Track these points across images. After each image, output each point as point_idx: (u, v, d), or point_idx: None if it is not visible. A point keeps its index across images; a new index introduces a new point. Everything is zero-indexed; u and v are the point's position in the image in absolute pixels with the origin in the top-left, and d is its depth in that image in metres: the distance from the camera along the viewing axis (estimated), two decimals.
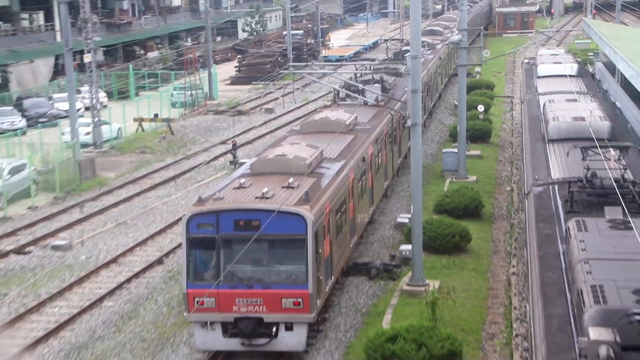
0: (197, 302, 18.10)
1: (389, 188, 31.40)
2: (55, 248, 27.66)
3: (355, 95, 31.96)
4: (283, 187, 19.51)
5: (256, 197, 18.72)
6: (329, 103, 32.50)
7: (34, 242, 28.45)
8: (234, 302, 18.22)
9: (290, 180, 19.79)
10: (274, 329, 18.32)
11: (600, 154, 18.53)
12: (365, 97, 31.82)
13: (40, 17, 64.99)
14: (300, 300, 18.13)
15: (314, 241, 18.23)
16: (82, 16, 42.97)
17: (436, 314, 19.96)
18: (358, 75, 37.49)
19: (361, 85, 32.51)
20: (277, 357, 19.15)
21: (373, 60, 43.04)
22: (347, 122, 26.93)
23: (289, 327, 18.31)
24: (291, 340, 18.36)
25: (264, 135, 45.44)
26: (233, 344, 18.50)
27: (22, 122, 47.11)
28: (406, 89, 31.47)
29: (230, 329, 18.42)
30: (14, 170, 33.94)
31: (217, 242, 18.30)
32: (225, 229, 18.27)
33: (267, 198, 18.58)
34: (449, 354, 17.67)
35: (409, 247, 23.66)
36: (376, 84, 33.55)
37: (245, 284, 18.26)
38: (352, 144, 25.31)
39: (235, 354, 18.93)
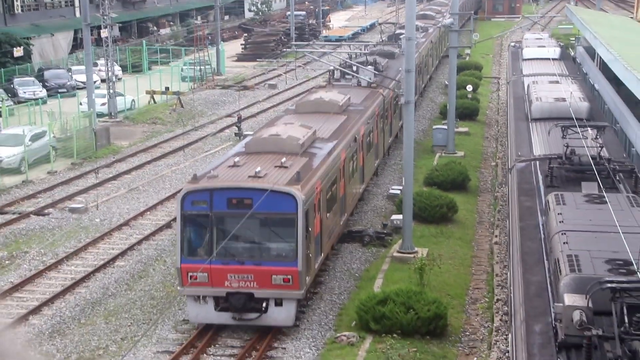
0: (191, 276, 17.68)
1: (380, 166, 30.97)
2: (72, 210, 27.65)
3: (349, 75, 31.22)
4: (276, 167, 18.88)
5: (249, 176, 18.12)
6: (324, 83, 31.72)
7: (53, 204, 28.43)
8: (226, 277, 17.70)
9: (283, 159, 19.19)
10: (264, 304, 17.81)
11: (579, 133, 18.49)
12: (359, 78, 31.12)
13: None
14: (289, 277, 17.58)
15: (304, 220, 17.63)
16: None
17: (424, 280, 20.02)
18: (353, 56, 36.39)
19: (355, 66, 31.70)
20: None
21: (368, 43, 40.94)
22: (341, 103, 26.04)
23: (278, 302, 17.79)
24: (280, 315, 17.89)
25: (267, 109, 45.22)
26: (224, 318, 18.03)
27: (43, 92, 46.82)
28: (400, 69, 31.36)
29: (221, 303, 17.93)
30: (35, 137, 33.81)
31: (211, 219, 17.72)
32: (219, 207, 17.68)
33: (259, 177, 18.02)
34: (435, 317, 17.76)
35: (400, 216, 23.67)
36: (370, 66, 32.59)
37: (237, 260, 17.70)
38: (345, 125, 24.40)
39: (227, 326, 18.58)
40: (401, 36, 43.70)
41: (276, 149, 20.13)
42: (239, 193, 17.71)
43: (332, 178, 20.90)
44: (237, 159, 19.42)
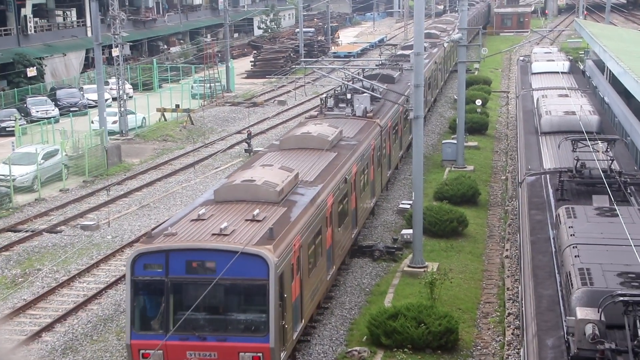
0: (143, 354, 15.00)
1: (390, 180, 29.64)
2: (84, 228, 27.75)
3: (343, 104, 29.03)
4: (247, 220, 16.12)
5: (213, 234, 15.29)
6: (316, 113, 28.46)
7: (65, 222, 28.54)
8: (185, 355, 14.95)
9: (256, 211, 16.45)
10: None
11: (589, 146, 18.43)
12: (353, 108, 28.24)
13: (73, 13, 65.01)
14: (260, 355, 14.81)
15: (278, 286, 14.89)
16: (111, 13, 42.92)
17: (434, 294, 19.92)
18: (349, 80, 33.07)
19: (349, 94, 29.06)
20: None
21: (365, 67, 36.93)
22: (330, 138, 23.05)
23: None
24: None
25: (276, 125, 45.34)
26: None
27: (55, 111, 47.17)
28: (402, 93, 30.37)
29: None
30: (48, 156, 34.02)
31: (166, 286, 14.91)
32: (176, 271, 14.93)
33: (224, 235, 15.19)
34: (446, 331, 17.66)
35: (410, 231, 23.59)
36: (365, 94, 29.29)
37: (198, 336, 14.91)
38: (334, 164, 21.53)
39: None
40: (410, 52, 42.61)
41: (250, 198, 17.38)
42: (200, 255, 14.95)
43: (316, 229, 18.17)
44: (202, 210, 16.60)
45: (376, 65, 38.30)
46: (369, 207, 25.39)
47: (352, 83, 32.00)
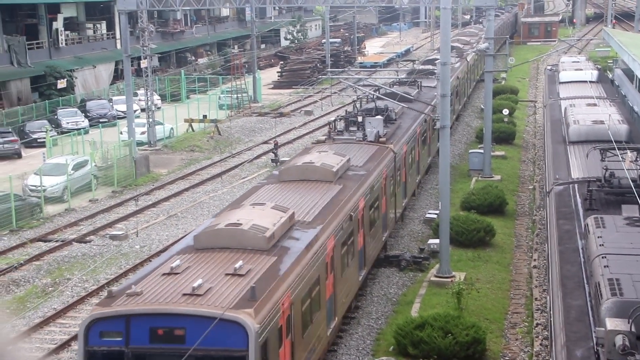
0: None
1: (406, 207, 27.21)
2: (113, 237, 28.02)
3: (354, 127, 26.61)
4: (227, 275, 13.52)
5: (184, 294, 12.71)
6: (323, 137, 26.25)
7: (94, 232, 28.85)
8: None
9: (240, 263, 13.85)
10: None
11: (618, 155, 18.21)
12: (365, 132, 25.66)
13: (103, 26, 65.94)
14: None
15: (260, 357, 12.46)
16: (140, 25, 43.45)
17: (461, 304, 19.81)
18: (364, 99, 30.83)
19: (361, 116, 26.65)
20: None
21: (380, 85, 32.67)
22: (335, 168, 20.42)
23: None
24: None
25: (303, 135, 45.47)
26: None
27: (85, 122, 47.78)
28: (418, 115, 28.75)
29: None
30: (78, 166, 34.46)
31: (127, 358, 12.50)
32: (138, 341, 12.46)
33: (197, 295, 12.61)
34: (473, 341, 17.52)
35: (437, 241, 23.50)
36: (378, 116, 27.14)
37: None
38: (337, 199, 18.95)
39: None
40: (435, 61, 41.29)
41: (235, 245, 14.80)
42: (166, 321, 12.46)
43: (313, 279, 15.73)
44: (177, 262, 14.02)
45: (391, 84, 35.62)
46: (379, 243, 22.93)
47: (361, 105, 29.84)
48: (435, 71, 37.83)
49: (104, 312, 12.70)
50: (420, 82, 35.09)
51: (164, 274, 13.69)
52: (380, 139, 25.29)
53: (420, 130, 30.52)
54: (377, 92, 31.67)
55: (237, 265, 13.74)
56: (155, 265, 14.59)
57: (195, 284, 12.87)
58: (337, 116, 28.67)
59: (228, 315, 12.26)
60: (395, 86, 33.42)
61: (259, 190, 19.48)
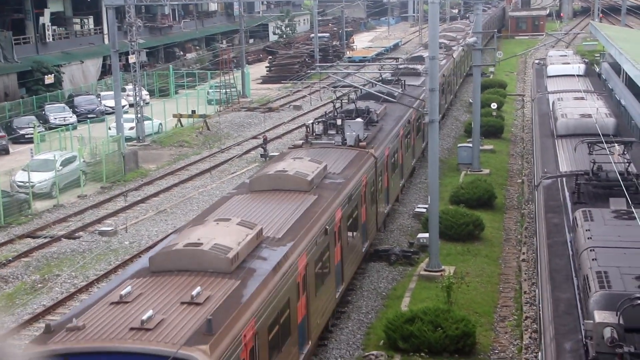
0: None
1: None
2: (102, 233, 27.92)
3: (332, 131, 25.12)
4: (183, 304, 12.10)
5: (131, 328, 11.29)
6: (300, 142, 24.65)
7: (83, 228, 28.73)
8: None
9: (197, 289, 12.36)
10: None
11: (605, 149, 18.29)
12: (344, 135, 24.20)
13: (90, 21, 65.58)
14: None
15: None
16: (128, 20, 43.21)
17: (451, 298, 19.87)
18: (340, 102, 29.19)
19: (340, 119, 25.15)
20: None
21: (357, 87, 30.13)
22: (310, 177, 18.96)
23: None
24: None
25: (292, 130, 45.43)
26: None
27: (73, 118, 47.55)
28: (403, 115, 27.97)
29: None
30: (66, 162, 34.29)
31: None
32: None
33: (147, 330, 11.22)
34: (463, 335, 17.59)
35: (426, 235, 23.54)
36: (359, 118, 25.63)
37: None
38: (312, 211, 17.51)
39: None
40: (420, 59, 40.09)
41: (194, 267, 13.29)
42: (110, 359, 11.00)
43: (282, 303, 14.24)
44: (128, 288, 12.53)
45: (375, 80, 33.95)
46: (359, 255, 21.57)
47: (342, 106, 28.52)
48: (420, 70, 37.81)
49: (39, 351, 11.02)
50: (404, 80, 33.65)
51: (112, 303, 12.17)
52: (361, 143, 23.98)
53: (404, 131, 29.19)
54: (359, 92, 30.37)
55: (194, 292, 12.29)
56: (103, 292, 13.00)
57: (145, 316, 11.42)
58: (315, 119, 27.08)
59: (181, 354, 10.78)
60: (378, 85, 31.92)
61: (227, 203, 17.96)
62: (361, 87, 31.36)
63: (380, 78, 35.35)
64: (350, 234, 20.20)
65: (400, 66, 39.76)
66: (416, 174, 33.29)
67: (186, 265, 13.35)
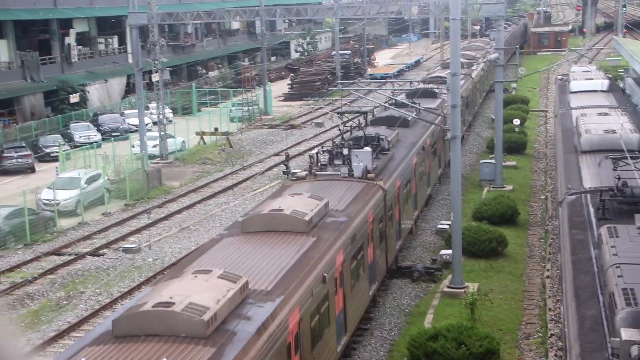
0: None
1: (402, 248, 24.00)
2: (126, 251, 28.12)
3: (339, 161, 22.86)
4: None
5: None
6: (304, 173, 22.51)
7: (107, 245, 28.98)
8: None
9: None
10: None
11: (630, 164, 18.12)
12: (351, 166, 22.01)
13: (114, 41, 66.51)
14: None
15: None
16: (151, 40, 43.76)
17: (475, 315, 19.72)
18: (349, 127, 27.27)
19: (346, 149, 22.93)
20: None
21: (365, 110, 28.63)
22: (309, 217, 16.94)
23: None
24: None
25: (314, 147, 45.53)
26: None
27: (98, 136, 48.12)
28: (417, 142, 26.05)
29: None
30: (90, 180, 34.67)
31: None
32: None
33: None
34: (487, 352, 17.43)
35: (449, 251, 23.43)
36: (367, 147, 23.36)
37: None
38: (308, 256, 15.51)
39: None
40: (437, 79, 38.24)
41: (165, 331, 11.38)
42: None
43: None
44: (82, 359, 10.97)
45: (387, 104, 32.17)
46: (365, 299, 19.49)
47: (351, 133, 26.52)
48: (437, 91, 36.89)
49: None
50: (419, 104, 30.41)
51: None
52: (369, 175, 21.93)
53: (418, 159, 27.08)
54: (370, 117, 28.38)
55: None
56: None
57: None
58: (321, 147, 25.12)
59: None
60: (390, 109, 29.65)
61: (214, 247, 15.95)
62: (369, 111, 30.02)
63: (394, 102, 32.27)
64: (354, 278, 18.20)
65: (418, 86, 37.38)
66: (439, 190, 33.18)
67: (155, 329, 11.40)
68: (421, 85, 38.27)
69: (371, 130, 26.37)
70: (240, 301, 12.84)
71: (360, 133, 25.77)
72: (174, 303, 11.66)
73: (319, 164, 23.03)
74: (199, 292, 12.16)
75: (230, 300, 12.38)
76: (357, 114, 28.03)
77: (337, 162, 23.02)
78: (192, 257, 15.70)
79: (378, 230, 20.83)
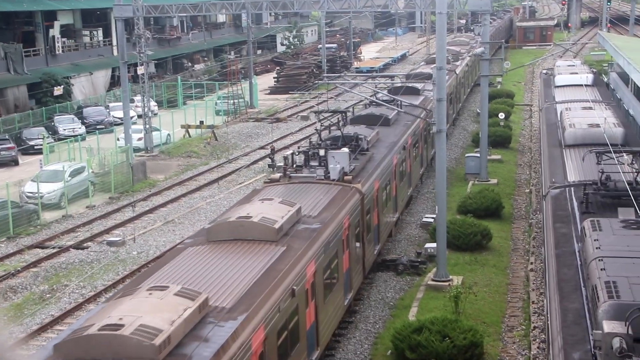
0: None
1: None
2: (110, 244, 27.97)
3: (315, 163, 21.72)
4: None
5: None
6: (278, 175, 21.27)
7: (92, 238, 28.80)
8: None
9: None
10: None
11: (614, 159, 18.22)
12: (328, 168, 20.95)
13: (99, 33, 66.02)
14: None
15: None
16: (137, 32, 43.43)
17: (459, 307, 19.79)
18: (327, 126, 26.19)
19: (323, 149, 21.77)
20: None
21: (345, 109, 27.88)
22: (278, 225, 15.82)
23: None
24: None
25: (299, 140, 45.47)
26: None
27: (82, 129, 47.78)
28: (399, 140, 25.57)
29: None
30: (74, 173, 34.42)
31: None
32: None
33: None
34: (471, 345, 17.50)
35: (434, 244, 23.48)
36: (344, 148, 22.29)
37: None
38: (276, 268, 14.42)
39: None
40: (420, 76, 38.21)
41: (111, 357, 10.36)
42: None
43: None
44: None
45: (367, 104, 30.32)
46: (340, 309, 18.43)
47: (329, 132, 25.49)
48: (419, 88, 36.70)
49: None
50: (401, 101, 29.47)
51: None
52: (346, 177, 20.87)
53: (399, 159, 26.10)
54: (349, 115, 27.65)
55: None
56: None
57: None
58: (297, 147, 23.82)
59: None
60: (371, 107, 28.23)
61: (176, 258, 14.79)
62: (346, 111, 29.09)
63: (375, 98, 31.10)
64: (327, 289, 17.13)
65: (398, 84, 36.16)
66: (424, 184, 33.22)
67: (101, 354, 10.34)
68: (405, 82, 37.86)
69: (350, 130, 25.46)
70: (199, 321, 11.79)
71: (337, 133, 24.60)
72: (123, 325, 10.60)
73: (294, 165, 21.92)
74: (152, 312, 11.09)
75: (186, 320, 11.34)
76: (335, 114, 27.11)
77: (313, 163, 21.84)
78: (152, 269, 14.48)
79: (354, 236, 19.76)
